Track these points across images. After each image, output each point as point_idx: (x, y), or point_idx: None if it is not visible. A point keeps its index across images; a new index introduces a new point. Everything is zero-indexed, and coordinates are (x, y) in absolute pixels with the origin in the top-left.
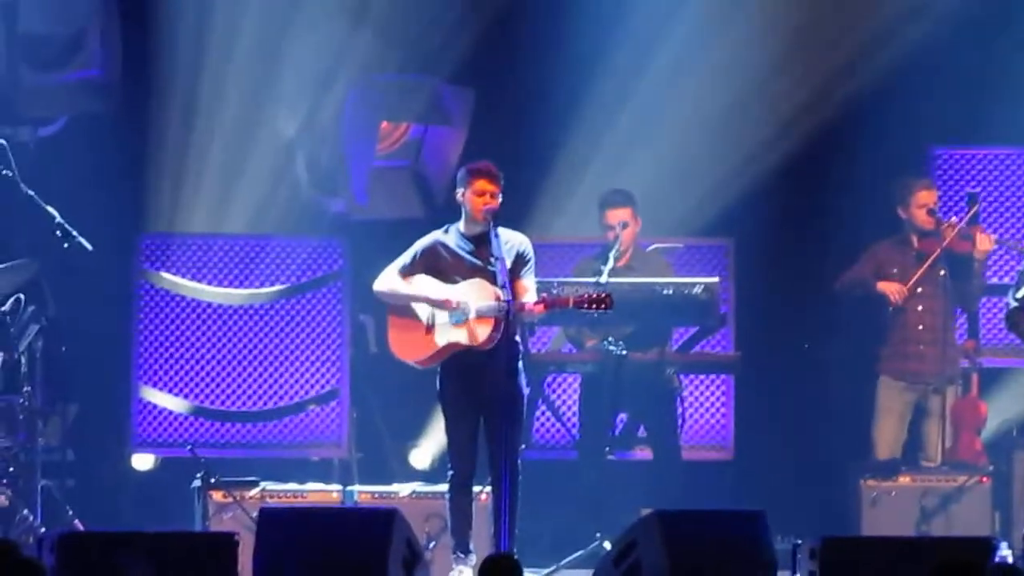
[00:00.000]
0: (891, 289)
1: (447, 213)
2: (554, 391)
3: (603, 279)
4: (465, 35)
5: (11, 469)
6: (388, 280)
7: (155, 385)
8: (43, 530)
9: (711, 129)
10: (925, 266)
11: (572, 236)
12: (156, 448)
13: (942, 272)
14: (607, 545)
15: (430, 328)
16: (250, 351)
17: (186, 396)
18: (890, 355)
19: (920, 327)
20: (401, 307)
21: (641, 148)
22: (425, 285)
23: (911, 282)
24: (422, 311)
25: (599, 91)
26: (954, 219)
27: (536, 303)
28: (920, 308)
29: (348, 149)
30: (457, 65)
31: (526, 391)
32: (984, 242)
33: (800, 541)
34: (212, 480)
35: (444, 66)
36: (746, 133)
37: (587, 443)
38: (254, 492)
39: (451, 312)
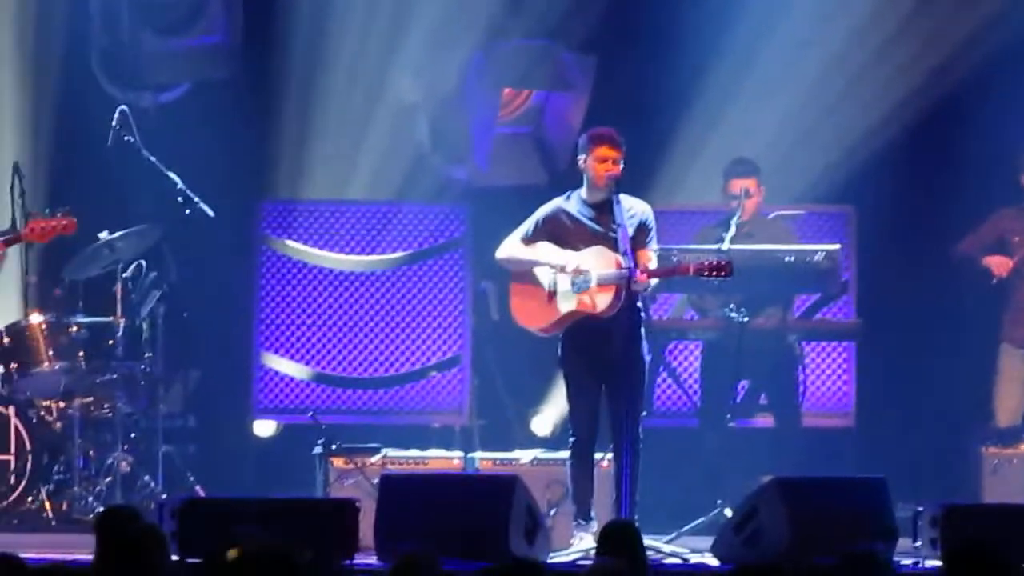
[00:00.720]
0: (994, 262)
1: (569, 180)
2: (675, 358)
3: (724, 246)
4: (589, 2)
5: (133, 435)
6: (510, 247)
7: (277, 351)
8: (164, 496)
9: (834, 97)
10: None
11: (694, 203)
12: (277, 414)
13: None
14: (728, 512)
15: (552, 295)
16: (371, 318)
17: (307, 362)
18: (1011, 322)
19: None
20: (523, 274)
21: (764, 115)
22: (546, 252)
23: (1018, 256)
24: (544, 278)
25: (721, 58)
26: None
27: (640, 272)
28: None
29: (471, 116)
30: (580, 32)
31: (648, 358)
32: None
33: (921, 509)
34: (333, 447)
35: (567, 33)
36: (869, 101)
37: (708, 410)
38: (375, 459)
39: (573, 279)
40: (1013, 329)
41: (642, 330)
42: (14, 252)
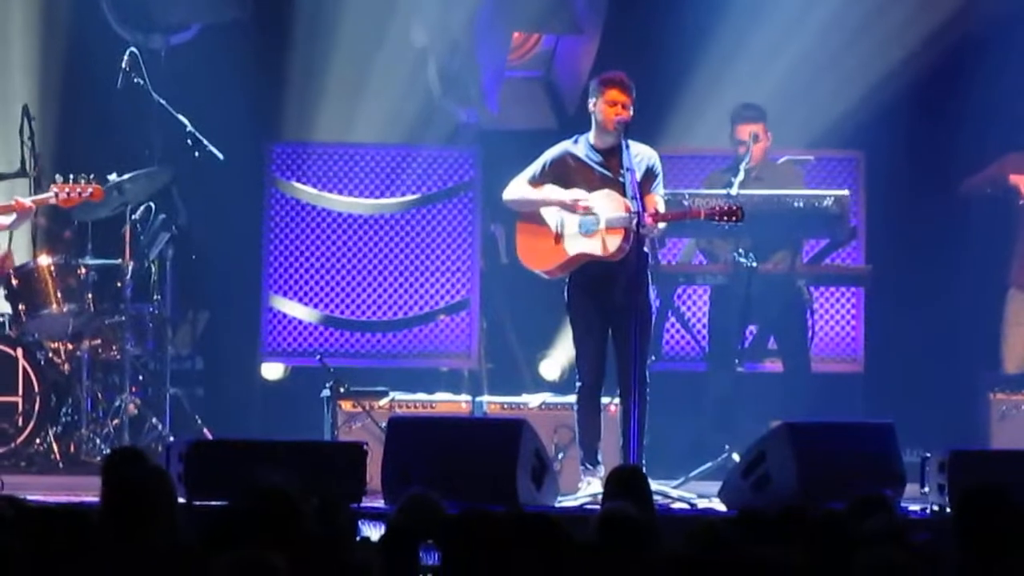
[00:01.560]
0: (1022, 181)
1: (578, 123)
2: (684, 303)
3: (734, 191)
4: None
5: (141, 377)
6: (517, 188)
7: (285, 294)
8: (172, 438)
9: (844, 42)
10: None
11: (704, 148)
12: (286, 357)
13: None
14: (736, 457)
15: (559, 237)
16: (380, 261)
17: (316, 305)
18: (1019, 268)
19: None
20: (531, 216)
21: (774, 61)
22: (554, 194)
23: None
24: (552, 220)
25: (733, 3)
26: None
27: (648, 216)
28: None
29: (481, 59)
30: None
31: (655, 303)
32: None
33: (929, 454)
34: (341, 389)
35: None
36: (879, 47)
37: (717, 355)
38: (383, 402)
39: (581, 221)
40: (1021, 274)
41: (649, 274)
42: (24, 193)
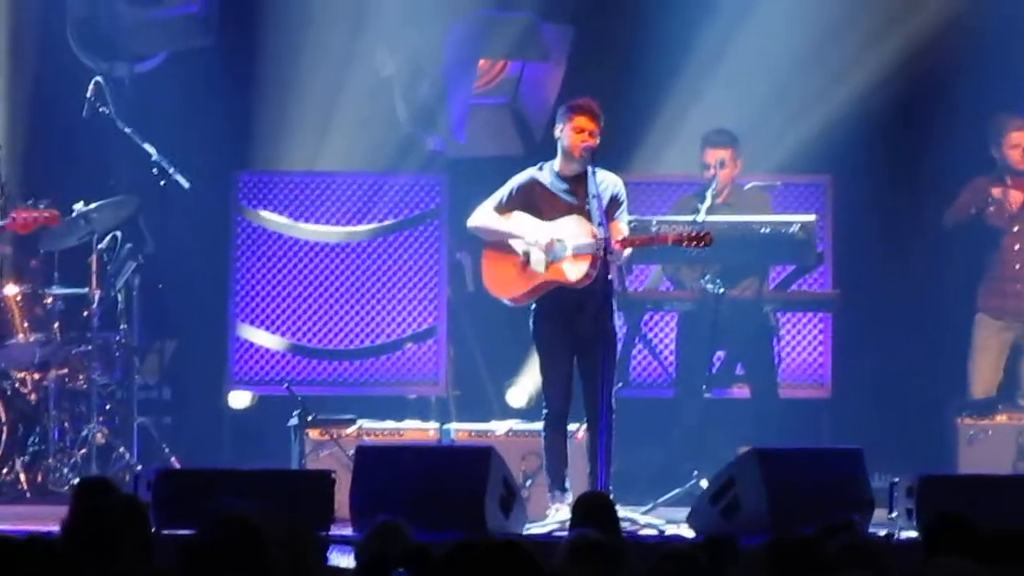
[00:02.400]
0: (1007, 194)
1: (545, 150)
2: (651, 329)
3: (700, 217)
4: None
5: (108, 407)
6: (483, 216)
7: (252, 323)
8: (140, 468)
9: (812, 67)
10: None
11: (672, 174)
12: (253, 386)
13: None
14: (704, 483)
15: (525, 264)
16: (348, 289)
17: (283, 334)
18: (987, 293)
19: (1017, 266)
20: (497, 243)
21: (743, 86)
22: (520, 222)
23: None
24: (517, 248)
25: (700, 29)
26: None
27: (617, 241)
28: (1017, 247)
29: (448, 86)
30: (558, 2)
31: (622, 329)
32: None
33: (897, 479)
34: (309, 418)
35: (543, 2)
36: (847, 72)
37: (684, 381)
38: (351, 430)
39: (547, 249)
40: (989, 300)
41: (615, 301)
42: None
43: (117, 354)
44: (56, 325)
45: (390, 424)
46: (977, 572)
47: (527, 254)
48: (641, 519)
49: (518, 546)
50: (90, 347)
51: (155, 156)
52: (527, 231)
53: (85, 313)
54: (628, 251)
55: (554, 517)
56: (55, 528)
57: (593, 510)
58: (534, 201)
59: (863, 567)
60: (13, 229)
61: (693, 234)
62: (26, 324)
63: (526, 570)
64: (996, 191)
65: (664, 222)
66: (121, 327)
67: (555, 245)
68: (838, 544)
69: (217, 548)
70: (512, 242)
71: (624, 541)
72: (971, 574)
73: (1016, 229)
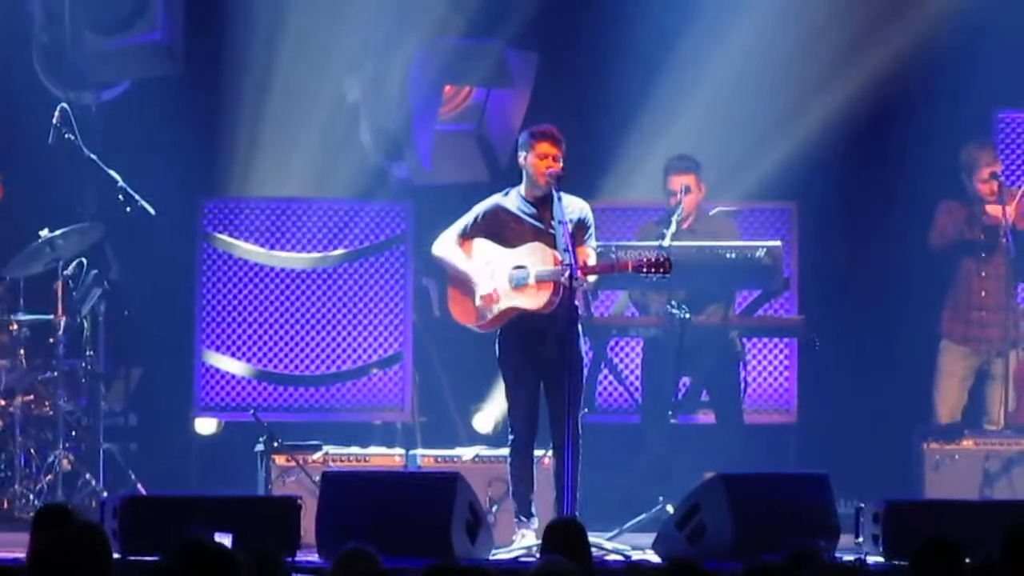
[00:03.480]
0: (998, 211)
1: (511, 176)
2: (617, 355)
3: (666, 243)
4: None
5: (74, 433)
6: (445, 246)
7: (218, 349)
8: (106, 494)
9: (777, 94)
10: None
11: (638, 200)
12: (219, 412)
13: (1004, 239)
14: (670, 509)
15: (489, 297)
16: (313, 315)
17: (249, 360)
18: (952, 319)
19: (983, 293)
20: (461, 271)
21: (707, 113)
22: (482, 252)
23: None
24: (481, 274)
25: (665, 56)
26: (1017, 189)
27: (579, 269)
28: (983, 274)
29: (413, 113)
30: (521, 28)
31: (587, 355)
32: None
33: (863, 504)
34: (275, 444)
35: (508, 29)
36: (812, 100)
37: (650, 407)
38: (317, 456)
39: (511, 275)
40: (954, 325)
41: (580, 327)
42: None
43: (83, 380)
44: (22, 352)
45: (356, 450)
46: None
47: (485, 291)
48: (607, 544)
49: (484, 572)
50: (56, 374)
51: (121, 183)
52: (484, 274)
53: (51, 340)
54: (593, 278)
55: (520, 543)
56: (20, 555)
57: (563, 536)
58: (498, 228)
59: None
60: None
61: (653, 259)
62: None
63: None
64: (992, 209)
65: (627, 247)
66: (87, 353)
67: (517, 272)
68: (808, 573)
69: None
70: (472, 279)
71: (595, 568)
72: None
73: (983, 255)
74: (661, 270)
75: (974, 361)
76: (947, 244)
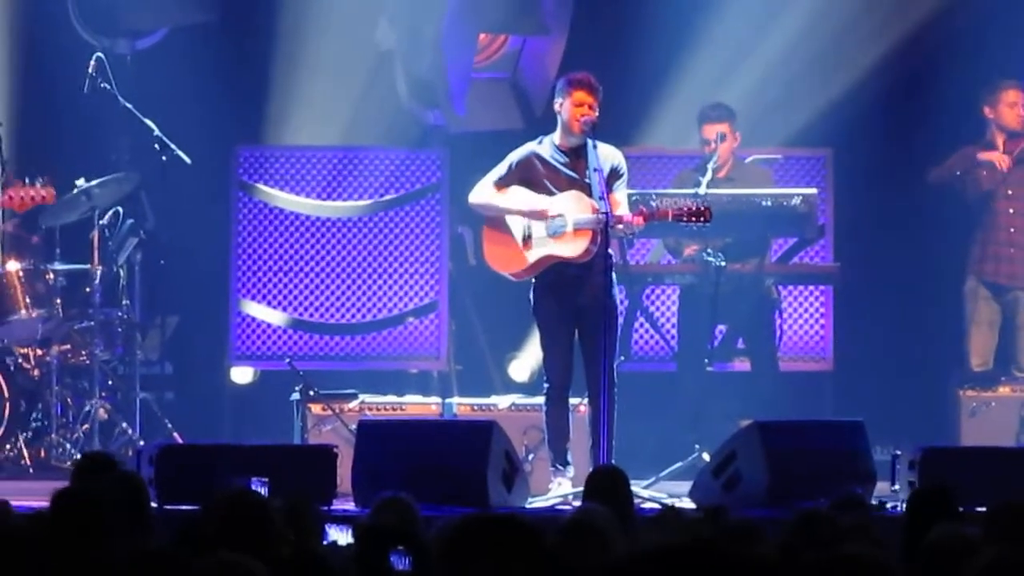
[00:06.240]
0: (994, 156)
1: (546, 124)
2: (653, 303)
3: (701, 190)
4: None
5: (110, 383)
6: (483, 192)
7: (254, 298)
8: (142, 443)
9: (812, 41)
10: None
11: (672, 148)
12: (255, 361)
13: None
14: (706, 456)
15: (526, 240)
16: (348, 264)
17: (285, 309)
18: (979, 258)
19: (1012, 229)
20: (497, 219)
21: (742, 61)
22: (521, 197)
23: (1013, 156)
24: (517, 223)
25: (701, 2)
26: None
27: (635, 215)
28: (1011, 211)
29: (447, 61)
30: None
31: (622, 303)
32: None
33: (899, 452)
34: (311, 393)
35: None
36: (847, 45)
37: (686, 355)
38: (353, 405)
39: (548, 224)
40: (981, 264)
41: (614, 275)
42: None
43: (119, 330)
44: (58, 301)
45: (392, 399)
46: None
47: (527, 230)
48: (643, 493)
49: (519, 520)
50: (92, 323)
51: (156, 132)
52: (526, 207)
53: (87, 289)
54: (639, 225)
55: (556, 491)
56: None
57: (605, 485)
58: (533, 175)
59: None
60: (9, 207)
61: (693, 208)
62: (28, 300)
63: (527, 544)
64: (985, 155)
65: (664, 195)
66: (123, 303)
67: (555, 220)
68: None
69: (223, 524)
70: (511, 219)
71: (635, 516)
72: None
73: (1009, 193)
74: (701, 219)
75: (1000, 305)
76: (941, 181)
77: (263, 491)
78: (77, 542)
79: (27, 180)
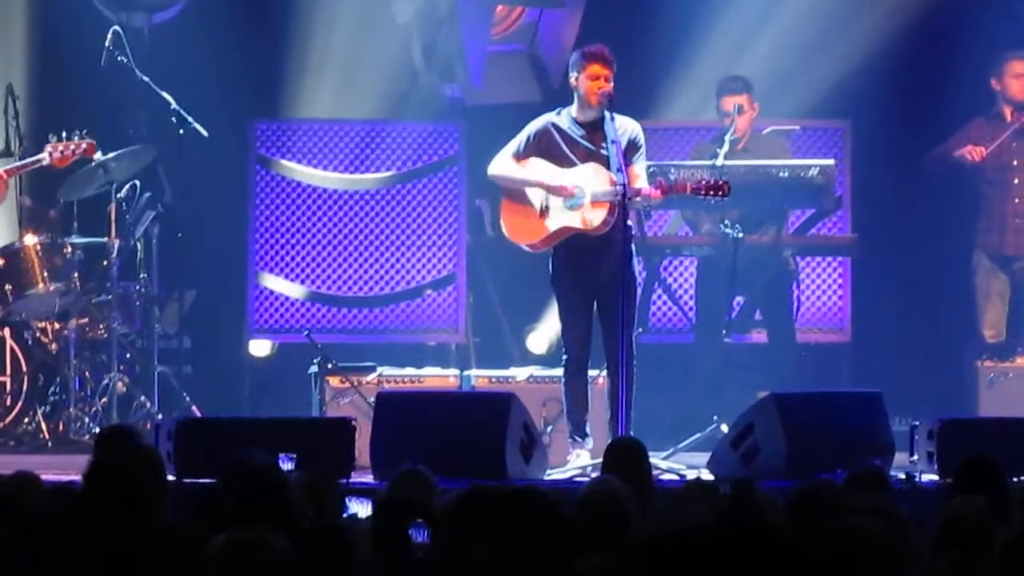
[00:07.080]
0: (966, 150)
1: (563, 97)
2: (670, 275)
3: (719, 162)
4: None
5: (128, 356)
6: (502, 164)
7: (272, 271)
8: (160, 417)
9: (830, 13)
10: (1008, 133)
11: (689, 120)
12: (273, 334)
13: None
14: (724, 428)
15: (544, 211)
16: (366, 236)
17: (303, 282)
18: (986, 229)
19: (1016, 200)
20: (515, 190)
21: (760, 33)
22: (539, 169)
23: (994, 145)
24: (536, 194)
25: None
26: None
27: (654, 188)
28: (1016, 181)
29: (464, 33)
30: None
31: (640, 275)
32: None
33: (918, 423)
34: (329, 366)
35: None
36: (865, 17)
37: (704, 326)
38: (371, 377)
39: (566, 196)
40: (988, 236)
41: (633, 247)
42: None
43: (137, 303)
44: (76, 275)
45: (410, 371)
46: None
47: (545, 201)
48: (662, 464)
49: (536, 492)
50: (110, 297)
51: (173, 105)
52: (545, 179)
53: (104, 263)
54: (657, 199)
55: (575, 463)
56: (76, 477)
57: (624, 456)
58: (552, 147)
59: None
60: (52, 165)
61: (711, 182)
62: (46, 274)
63: (544, 516)
64: (959, 152)
65: (682, 167)
66: (140, 276)
67: (574, 192)
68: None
69: (241, 497)
70: (529, 190)
71: (654, 488)
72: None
73: (1015, 163)
74: (719, 193)
75: (1007, 276)
76: (938, 169)
77: (290, 466)
78: (112, 514)
79: (64, 135)
